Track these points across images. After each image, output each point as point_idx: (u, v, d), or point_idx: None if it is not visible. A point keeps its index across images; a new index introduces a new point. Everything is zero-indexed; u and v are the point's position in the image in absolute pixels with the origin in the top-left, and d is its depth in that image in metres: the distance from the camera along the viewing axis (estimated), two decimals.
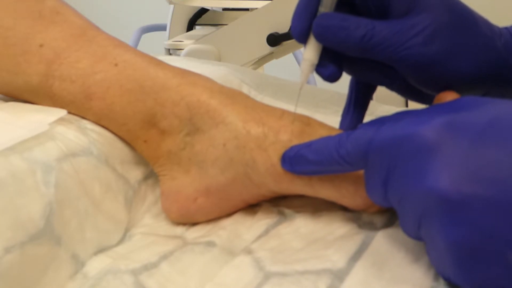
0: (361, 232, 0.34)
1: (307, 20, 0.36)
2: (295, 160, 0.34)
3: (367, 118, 0.51)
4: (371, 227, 0.35)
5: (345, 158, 0.31)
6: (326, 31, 0.35)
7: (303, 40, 0.37)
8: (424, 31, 0.34)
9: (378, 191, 0.31)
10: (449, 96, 0.34)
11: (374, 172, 0.30)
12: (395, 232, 0.33)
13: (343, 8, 0.37)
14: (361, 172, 0.34)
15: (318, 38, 0.36)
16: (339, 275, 0.31)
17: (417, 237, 0.30)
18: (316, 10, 0.36)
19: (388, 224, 0.35)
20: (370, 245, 0.33)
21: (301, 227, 0.37)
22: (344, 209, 0.37)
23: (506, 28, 0.38)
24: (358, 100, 0.42)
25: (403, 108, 0.54)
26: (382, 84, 0.41)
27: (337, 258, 0.32)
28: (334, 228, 0.35)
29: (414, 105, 0.78)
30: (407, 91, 0.40)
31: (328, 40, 0.35)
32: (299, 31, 0.37)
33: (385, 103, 0.55)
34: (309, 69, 0.37)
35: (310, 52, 0.36)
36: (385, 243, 0.33)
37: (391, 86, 0.41)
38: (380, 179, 0.30)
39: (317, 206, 0.38)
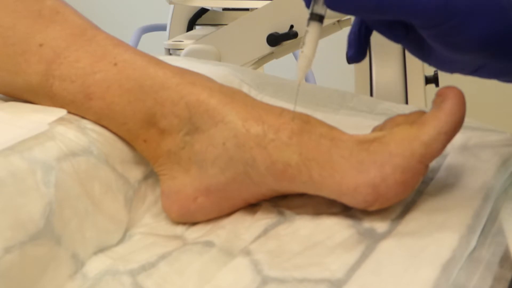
0: (361, 241, 0.34)
1: None
2: None
3: (366, 116, 0.51)
4: (372, 233, 0.34)
5: None
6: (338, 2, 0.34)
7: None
8: None
9: None
10: (450, 91, 0.34)
11: None
12: (395, 244, 0.33)
13: None
14: (360, 169, 0.34)
15: (329, 6, 0.34)
16: (337, 284, 0.31)
17: None
18: None
19: (390, 230, 0.35)
20: (369, 256, 0.32)
21: (300, 229, 0.36)
22: (344, 210, 0.37)
23: None
24: (367, 32, 0.40)
25: (404, 106, 0.53)
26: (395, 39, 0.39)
27: (336, 268, 0.32)
28: (334, 233, 0.35)
29: (414, 103, 0.78)
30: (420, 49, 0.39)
31: (342, 9, 0.34)
32: None
33: (385, 100, 0.55)
34: (306, 65, 0.37)
35: (307, 48, 0.37)
36: (384, 255, 0.32)
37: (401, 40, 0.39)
38: None
39: (318, 206, 0.38)
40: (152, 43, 1.15)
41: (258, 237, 0.36)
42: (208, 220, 0.40)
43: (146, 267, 0.34)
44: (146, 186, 0.41)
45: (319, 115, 0.40)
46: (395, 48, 0.83)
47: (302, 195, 0.39)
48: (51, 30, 0.40)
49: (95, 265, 0.35)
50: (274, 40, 0.90)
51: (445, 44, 0.35)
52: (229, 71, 0.53)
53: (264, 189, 0.38)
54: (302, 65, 0.37)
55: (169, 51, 1.01)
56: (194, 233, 0.39)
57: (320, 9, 0.36)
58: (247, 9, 1.04)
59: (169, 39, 1.07)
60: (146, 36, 1.34)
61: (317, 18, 0.37)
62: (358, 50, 0.40)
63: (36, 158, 0.34)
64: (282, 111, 0.38)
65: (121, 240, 0.38)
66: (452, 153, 0.42)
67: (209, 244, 0.36)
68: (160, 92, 0.39)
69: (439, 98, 0.35)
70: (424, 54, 0.39)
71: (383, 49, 0.83)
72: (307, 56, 0.37)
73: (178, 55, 0.97)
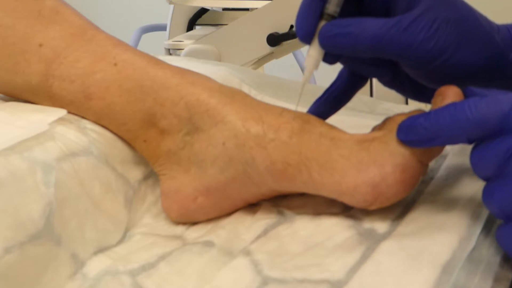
0: (361, 242, 0.34)
1: (312, 21, 0.37)
2: (410, 129, 0.33)
3: (366, 116, 0.51)
4: (372, 234, 0.34)
5: (478, 122, 0.30)
6: (332, 41, 0.36)
7: (308, 41, 0.37)
8: (429, 26, 0.34)
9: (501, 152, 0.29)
10: (449, 90, 0.34)
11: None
12: (395, 245, 0.33)
13: (349, 4, 0.38)
14: (360, 168, 0.34)
15: (325, 48, 0.36)
16: (338, 285, 0.31)
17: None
18: (321, 9, 0.37)
19: (390, 231, 0.35)
20: (369, 257, 0.32)
21: (300, 230, 0.36)
22: (344, 210, 0.37)
23: (502, 25, 0.39)
24: (344, 92, 0.42)
25: (404, 106, 0.53)
26: (381, 78, 0.41)
27: (336, 269, 0.32)
28: (334, 233, 0.35)
29: (414, 103, 0.78)
30: (406, 89, 0.41)
31: (336, 50, 0.36)
32: (304, 33, 0.37)
33: (385, 100, 0.55)
34: (314, 65, 0.37)
35: (315, 49, 0.37)
36: (384, 256, 0.32)
37: (390, 84, 0.41)
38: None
39: (318, 206, 0.38)
40: (152, 43, 1.15)
41: (258, 237, 0.36)
42: (208, 220, 0.40)
43: (146, 267, 0.34)
44: (146, 186, 0.41)
45: None
46: None
47: (302, 195, 0.39)
48: (50, 30, 0.40)
49: (95, 265, 0.35)
50: (274, 40, 0.90)
51: (430, 79, 0.37)
52: (229, 71, 0.53)
53: (264, 189, 0.38)
54: (309, 64, 0.37)
55: (169, 51, 1.01)
56: (194, 233, 0.39)
57: (332, 9, 0.37)
58: (247, 9, 1.04)
59: (169, 39, 1.07)
60: (146, 36, 1.34)
61: (329, 18, 0.37)
62: (322, 109, 0.42)
63: (36, 158, 0.34)
64: (282, 111, 0.38)
65: (121, 240, 0.38)
66: (452, 153, 0.42)
67: (209, 244, 0.36)
68: (160, 92, 0.39)
69: (439, 97, 0.35)
70: (404, 89, 0.41)
71: None
72: (314, 56, 0.37)
73: (178, 55, 0.97)
